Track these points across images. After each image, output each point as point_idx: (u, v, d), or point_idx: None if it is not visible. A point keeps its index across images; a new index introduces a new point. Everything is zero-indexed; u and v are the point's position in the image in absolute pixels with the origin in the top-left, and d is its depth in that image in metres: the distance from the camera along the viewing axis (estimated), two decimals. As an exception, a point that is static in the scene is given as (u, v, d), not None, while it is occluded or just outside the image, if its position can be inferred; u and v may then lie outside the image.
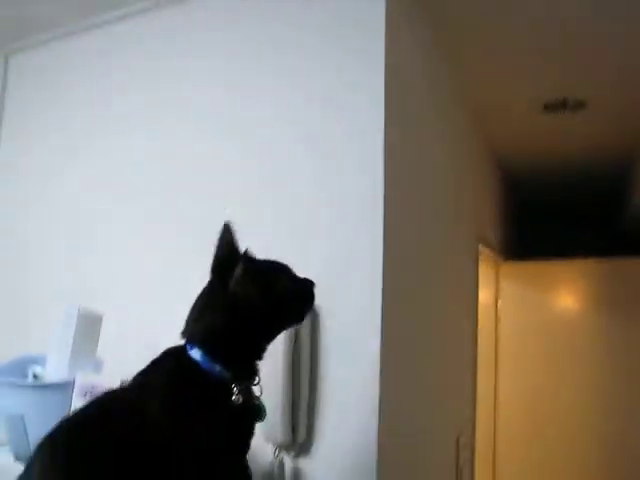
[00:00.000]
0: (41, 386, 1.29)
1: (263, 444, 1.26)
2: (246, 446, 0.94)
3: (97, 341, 1.35)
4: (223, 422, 0.89)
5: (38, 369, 1.36)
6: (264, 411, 0.99)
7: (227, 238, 0.99)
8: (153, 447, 0.82)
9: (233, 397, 0.89)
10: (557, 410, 3.17)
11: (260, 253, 0.98)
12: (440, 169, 1.93)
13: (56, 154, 1.89)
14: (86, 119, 1.84)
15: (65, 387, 1.23)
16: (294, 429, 1.29)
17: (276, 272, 0.99)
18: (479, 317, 2.58)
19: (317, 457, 1.32)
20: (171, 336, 1.41)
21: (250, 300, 0.91)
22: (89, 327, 1.33)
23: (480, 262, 2.63)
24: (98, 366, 1.35)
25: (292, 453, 1.33)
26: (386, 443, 1.28)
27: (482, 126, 2.66)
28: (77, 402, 1.18)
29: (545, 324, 3.27)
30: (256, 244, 0.97)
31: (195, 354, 0.90)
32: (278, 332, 1.03)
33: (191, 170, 1.59)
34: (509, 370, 3.30)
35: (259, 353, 0.98)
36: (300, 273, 1.00)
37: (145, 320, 1.56)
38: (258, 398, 0.97)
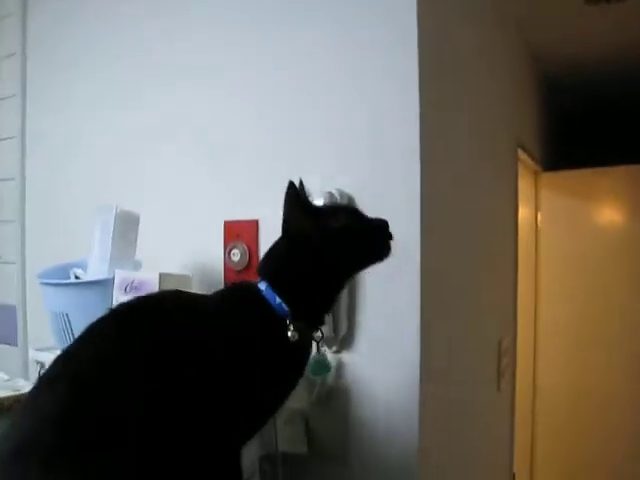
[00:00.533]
0: (82, 283, 1.31)
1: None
2: (282, 393, 0.91)
3: (135, 241, 1.35)
4: (268, 353, 0.87)
5: (79, 271, 1.38)
6: (328, 366, 1.00)
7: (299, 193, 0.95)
8: (197, 351, 0.80)
9: (289, 333, 0.88)
10: (599, 324, 3.13)
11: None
12: (478, 68, 1.85)
13: (82, 70, 1.87)
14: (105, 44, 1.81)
15: (105, 284, 1.24)
16: (335, 323, 1.29)
17: (336, 209, 0.97)
18: (519, 231, 2.52)
19: (359, 350, 1.32)
20: (204, 237, 1.43)
21: (303, 233, 0.91)
22: (127, 227, 1.33)
23: (519, 172, 2.55)
24: (137, 266, 1.36)
25: (334, 348, 1.33)
26: (428, 335, 1.27)
27: (520, 24, 2.53)
28: (118, 297, 1.19)
29: (588, 236, 3.18)
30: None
31: (262, 285, 0.92)
32: (346, 276, 0.98)
33: (222, 91, 1.53)
34: (550, 283, 3.25)
35: (322, 297, 0.95)
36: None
37: (181, 222, 1.56)
38: (323, 353, 0.99)
